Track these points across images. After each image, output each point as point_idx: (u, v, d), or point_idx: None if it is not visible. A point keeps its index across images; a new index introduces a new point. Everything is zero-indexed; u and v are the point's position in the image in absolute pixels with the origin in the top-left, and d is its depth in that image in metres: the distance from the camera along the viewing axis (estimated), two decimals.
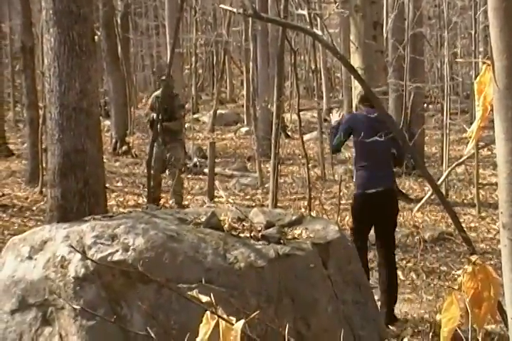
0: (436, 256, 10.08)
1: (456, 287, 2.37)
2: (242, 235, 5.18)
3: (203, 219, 5.27)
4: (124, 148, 20.72)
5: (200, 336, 2.05)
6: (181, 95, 15.36)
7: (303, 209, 11.52)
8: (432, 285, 8.61)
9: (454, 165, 3.32)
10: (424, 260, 9.78)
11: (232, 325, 2.02)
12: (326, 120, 20.76)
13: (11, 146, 19.90)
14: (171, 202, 11.91)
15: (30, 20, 15.63)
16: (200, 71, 42.21)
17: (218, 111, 26.94)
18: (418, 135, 17.06)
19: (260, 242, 5.01)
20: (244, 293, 4.53)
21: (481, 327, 2.37)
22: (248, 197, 14.35)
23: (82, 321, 4.28)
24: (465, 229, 4.67)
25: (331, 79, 34.80)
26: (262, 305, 4.45)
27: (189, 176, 15.54)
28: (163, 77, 10.95)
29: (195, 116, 30.07)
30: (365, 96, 7.20)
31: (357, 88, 13.86)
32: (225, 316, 2.03)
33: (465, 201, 14.38)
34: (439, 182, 3.42)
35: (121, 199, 13.28)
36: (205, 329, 2.04)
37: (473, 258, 2.40)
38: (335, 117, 7.53)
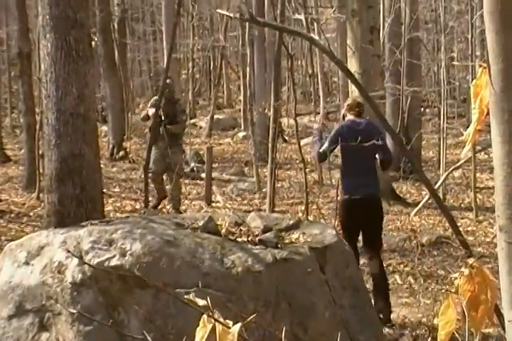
0: (433, 260, 10.09)
1: (453, 290, 2.37)
2: (239, 240, 5.19)
3: (200, 224, 5.27)
4: (121, 153, 20.71)
5: (197, 340, 2.05)
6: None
7: (300, 214, 11.52)
8: (430, 289, 8.61)
9: (451, 169, 3.32)
10: (422, 264, 9.78)
11: (229, 328, 2.02)
12: (323, 123, 20.75)
13: (8, 152, 19.88)
14: (168, 206, 11.91)
15: (27, 25, 15.63)
16: (198, 76, 42.21)
17: (215, 116, 27.01)
18: (415, 139, 17.10)
19: (257, 247, 5.01)
20: (242, 297, 4.53)
21: (478, 331, 2.37)
22: (245, 201, 14.34)
23: (79, 326, 4.27)
24: (462, 233, 4.67)
25: (328, 84, 34.78)
26: (259, 310, 4.45)
27: (186, 181, 15.52)
28: (167, 81, 11.01)
29: (193, 121, 30.07)
30: (352, 104, 7.52)
31: (354, 92, 13.90)
32: (221, 320, 2.03)
33: (462, 205, 14.38)
34: (436, 186, 3.43)
35: (119, 204, 13.26)
36: (201, 333, 2.04)
37: (470, 261, 2.40)
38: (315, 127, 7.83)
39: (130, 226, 4.87)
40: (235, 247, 4.89)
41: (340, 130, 7.46)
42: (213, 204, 13.56)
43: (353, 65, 13.64)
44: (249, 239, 5.21)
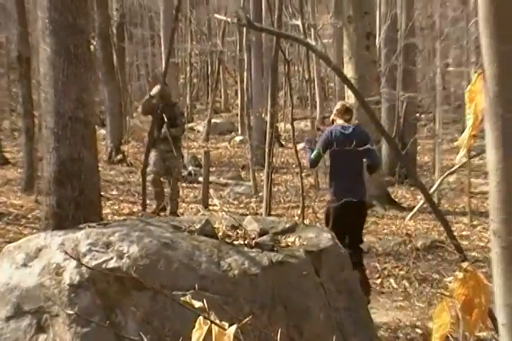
0: (428, 264, 10.10)
1: (447, 294, 2.37)
2: (236, 243, 5.19)
3: (197, 227, 5.28)
4: (119, 156, 20.72)
5: None
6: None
7: (296, 218, 11.52)
8: (424, 292, 8.62)
9: (446, 174, 3.33)
10: (417, 268, 9.79)
11: (225, 330, 2.02)
12: (319, 129, 20.77)
13: (7, 155, 19.88)
14: (167, 209, 11.90)
15: (27, 29, 15.63)
16: (195, 80, 42.25)
17: (213, 121, 26.92)
18: (410, 144, 17.14)
19: (254, 250, 5.01)
20: (238, 300, 4.53)
21: (472, 334, 2.38)
22: (242, 205, 14.36)
23: (76, 328, 4.27)
24: (457, 237, 4.67)
25: (325, 89, 34.82)
26: (255, 312, 4.45)
27: (184, 185, 15.52)
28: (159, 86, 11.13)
29: (190, 125, 30.07)
30: (341, 110, 7.73)
31: (350, 97, 13.91)
32: (217, 321, 2.03)
33: (457, 210, 14.41)
34: (431, 191, 3.44)
35: (117, 207, 13.27)
36: (197, 334, 2.04)
37: (465, 265, 2.41)
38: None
39: (128, 229, 4.87)
40: (231, 250, 4.89)
41: (330, 135, 7.55)
42: (210, 208, 13.56)
43: (349, 71, 13.67)
44: (246, 242, 5.21)
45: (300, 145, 8.81)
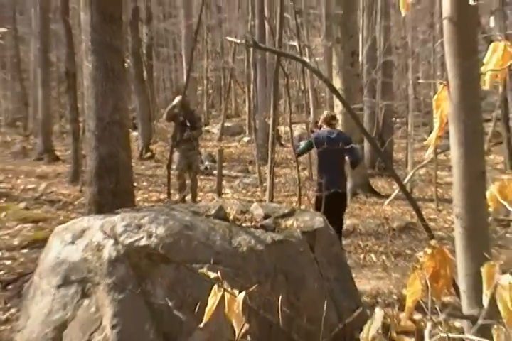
0: (402, 241, 10.08)
1: (418, 266, 2.36)
2: (244, 225, 5.19)
3: (212, 212, 5.27)
4: (149, 154, 20.74)
5: (209, 305, 2.05)
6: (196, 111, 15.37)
7: (294, 204, 11.51)
8: (399, 265, 8.61)
9: (417, 167, 3.31)
10: (393, 245, 9.78)
11: (235, 296, 2.02)
12: (312, 131, 20.75)
13: (57, 153, 19.90)
14: (187, 197, 11.91)
15: (73, 50, 15.64)
16: (211, 91, 42.18)
17: (225, 124, 26.86)
18: (388, 143, 17.09)
19: (259, 230, 5.01)
20: (247, 271, 4.53)
21: (438, 299, 2.37)
22: (249, 193, 14.35)
23: (114, 294, 4.27)
24: (426, 220, 4.66)
25: (317, 98, 34.73)
26: (261, 282, 4.45)
27: (201, 177, 15.52)
28: (179, 97, 11.24)
29: (206, 128, 30.02)
30: (327, 117, 7.89)
31: (338, 105, 13.88)
32: (229, 289, 2.03)
33: (426, 197, 14.38)
34: (404, 182, 3.42)
35: (146, 195, 13.27)
36: (213, 300, 2.04)
37: (433, 242, 2.40)
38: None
39: (155, 213, 4.87)
40: (241, 231, 4.89)
41: (318, 137, 7.67)
42: (223, 196, 13.56)
43: (337, 83, 13.64)
44: (253, 224, 5.21)
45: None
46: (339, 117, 14.01)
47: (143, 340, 4.21)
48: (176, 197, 11.79)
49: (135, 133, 22.61)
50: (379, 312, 2.10)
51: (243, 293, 2.01)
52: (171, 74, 42.43)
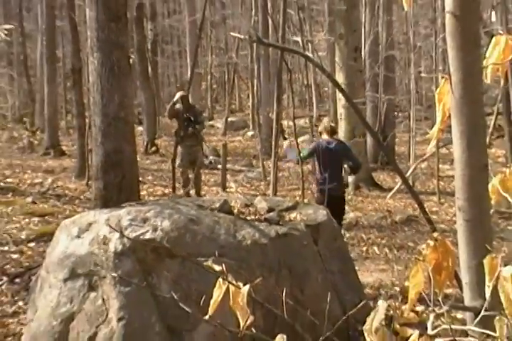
0: (405, 234, 10.08)
1: (421, 258, 2.35)
2: (248, 218, 5.18)
3: (217, 206, 5.27)
4: (153, 148, 20.75)
5: (214, 298, 2.05)
6: (200, 106, 15.40)
7: (297, 197, 11.51)
8: (402, 257, 8.61)
9: (419, 161, 3.30)
10: (395, 238, 9.78)
11: (240, 289, 2.01)
12: (316, 125, 20.74)
13: (64, 148, 19.92)
14: (191, 192, 11.92)
15: (79, 46, 15.64)
16: (215, 87, 42.16)
17: (229, 119, 26.97)
18: (390, 137, 17.10)
19: (263, 224, 5.01)
20: (251, 265, 4.53)
21: (441, 291, 2.36)
22: (253, 187, 14.34)
23: (120, 288, 4.28)
24: (428, 212, 4.65)
25: (320, 93, 34.71)
26: (265, 275, 4.45)
27: (206, 171, 15.52)
28: (182, 92, 11.31)
29: (211, 122, 30.03)
30: (327, 128, 7.98)
31: (341, 100, 13.86)
32: (234, 282, 2.03)
33: (428, 190, 14.37)
34: (407, 175, 3.41)
35: (151, 190, 13.27)
36: (217, 293, 2.03)
37: (435, 235, 2.39)
38: (286, 145, 9.01)
39: (161, 207, 4.87)
40: (245, 224, 4.89)
41: (317, 147, 7.93)
42: (227, 190, 13.57)
43: (340, 78, 13.61)
44: (257, 217, 5.21)
45: (285, 144, 9.14)
46: (342, 111, 14.01)
47: (149, 333, 4.21)
48: (181, 191, 11.80)
49: (140, 128, 22.60)
50: (382, 304, 2.09)
51: (248, 286, 2.00)
52: (176, 70, 42.41)
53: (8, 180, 13.66)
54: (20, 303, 5.98)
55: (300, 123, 26.24)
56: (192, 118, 11.24)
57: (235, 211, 5.32)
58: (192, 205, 5.27)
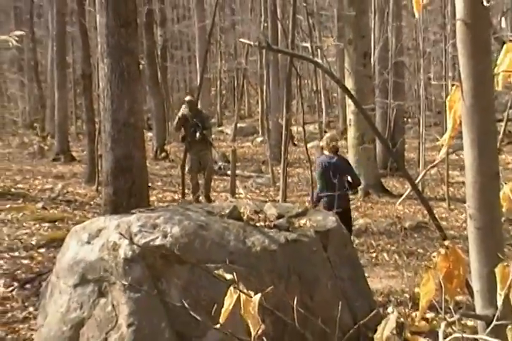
0: (414, 240, 10.05)
1: (431, 266, 2.34)
2: (258, 224, 5.17)
3: (226, 212, 5.26)
4: (163, 154, 20.80)
5: (225, 307, 2.04)
6: (209, 112, 15.42)
7: (307, 204, 11.49)
8: (411, 264, 8.57)
9: (428, 167, 3.29)
10: (405, 244, 9.74)
11: (251, 298, 2.01)
12: (325, 131, 20.72)
13: (74, 153, 19.98)
14: (201, 197, 11.93)
15: (89, 52, 15.70)
16: (224, 92, 42.23)
17: (239, 125, 26.82)
18: (400, 143, 17.05)
19: (273, 230, 5.00)
20: (260, 271, 4.52)
21: (452, 299, 2.35)
22: (263, 193, 14.34)
23: (130, 294, 4.28)
24: (438, 219, 4.63)
25: (329, 99, 34.71)
26: (274, 282, 4.44)
27: (215, 177, 15.52)
28: (188, 98, 11.37)
29: (220, 128, 30.08)
30: (329, 145, 8.02)
31: (350, 105, 13.86)
32: (245, 291, 2.02)
33: (437, 196, 14.32)
34: (416, 181, 3.40)
35: (161, 195, 13.29)
36: (229, 301, 2.03)
37: (446, 242, 2.38)
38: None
39: (170, 213, 4.87)
40: (254, 230, 4.88)
41: (321, 164, 8.01)
42: (237, 196, 13.56)
43: (349, 84, 13.61)
44: (266, 223, 5.20)
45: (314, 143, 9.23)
46: (351, 117, 14.00)
47: (158, 339, 4.21)
48: (191, 197, 11.80)
49: (150, 134, 22.65)
50: (393, 313, 2.08)
51: (259, 295, 2.00)
52: (185, 75, 42.46)
53: (19, 185, 13.70)
54: (31, 309, 5.99)
55: (309, 129, 26.27)
56: (199, 124, 11.25)
57: (245, 217, 5.31)
58: (201, 211, 5.27)
